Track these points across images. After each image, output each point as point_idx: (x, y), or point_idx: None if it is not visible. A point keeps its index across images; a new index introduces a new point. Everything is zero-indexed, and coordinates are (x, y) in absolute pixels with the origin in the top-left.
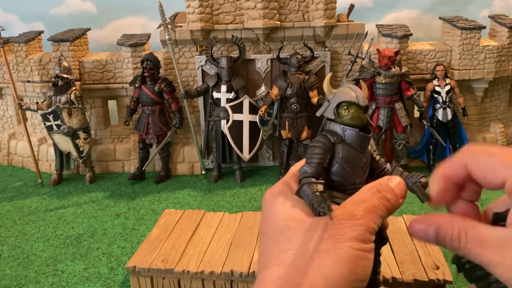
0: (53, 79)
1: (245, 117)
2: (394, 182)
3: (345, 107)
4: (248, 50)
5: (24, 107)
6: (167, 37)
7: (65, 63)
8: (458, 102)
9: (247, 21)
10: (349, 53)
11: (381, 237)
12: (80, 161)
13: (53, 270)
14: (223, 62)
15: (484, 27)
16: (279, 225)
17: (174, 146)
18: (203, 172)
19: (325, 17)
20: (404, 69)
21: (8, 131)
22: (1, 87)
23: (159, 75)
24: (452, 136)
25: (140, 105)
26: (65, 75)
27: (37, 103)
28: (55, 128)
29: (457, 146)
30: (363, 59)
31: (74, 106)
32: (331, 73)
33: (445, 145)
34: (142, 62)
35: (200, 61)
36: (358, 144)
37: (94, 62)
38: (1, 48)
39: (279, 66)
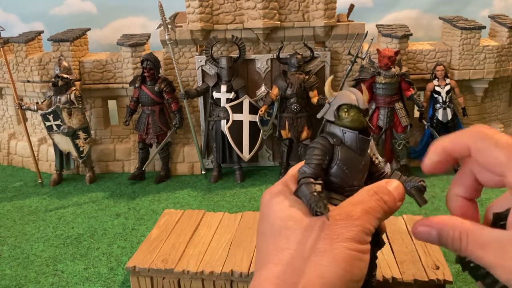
0: (53, 79)
1: (245, 117)
2: (392, 185)
3: (345, 110)
4: (248, 50)
5: (24, 107)
6: (167, 37)
7: (65, 63)
8: (458, 102)
9: (247, 21)
10: (349, 53)
11: (377, 241)
12: (80, 161)
13: (53, 270)
14: (223, 62)
15: (484, 27)
16: (277, 225)
17: (174, 146)
18: (203, 172)
19: (325, 17)
20: (404, 69)
21: (8, 131)
22: (1, 87)
23: (159, 75)
24: None
25: (140, 105)
26: (65, 75)
27: (37, 103)
28: (55, 128)
29: None
30: (363, 59)
31: (74, 106)
32: (332, 76)
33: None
34: (142, 62)
35: (200, 61)
36: (358, 146)
37: (94, 62)
38: (1, 48)
39: (279, 66)
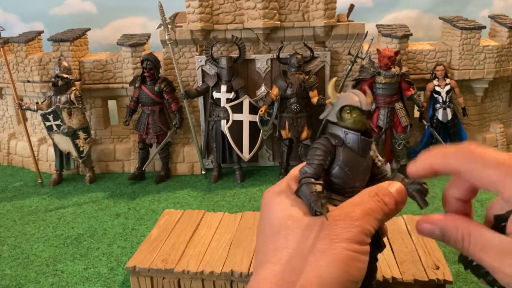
0: (53, 79)
1: (245, 117)
2: (394, 187)
3: (348, 111)
4: (248, 50)
5: (24, 107)
6: (167, 37)
7: (65, 63)
8: (458, 102)
9: (247, 21)
10: (349, 53)
11: (378, 243)
12: (80, 161)
13: (53, 270)
14: (223, 62)
15: (484, 27)
16: (276, 224)
17: (174, 146)
18: (203, 172)
19: (325, 17)
20: (404, 69)
21: (8, 131)
22: (1, 87)
23: (159, 75)
24: (452, 136)
25: (140, 105)
26: (65, 75)
27: (37, 103)
28: (55, 128)
29: None
30: (363, 59)
31: (74, 106)
32: (335, 78)
33: (445, 145)
34: (142, 62)
35: (200, 61)
36: (359, 148)
37: (94, 62)
38: (1, 48)
39: (279, 66)
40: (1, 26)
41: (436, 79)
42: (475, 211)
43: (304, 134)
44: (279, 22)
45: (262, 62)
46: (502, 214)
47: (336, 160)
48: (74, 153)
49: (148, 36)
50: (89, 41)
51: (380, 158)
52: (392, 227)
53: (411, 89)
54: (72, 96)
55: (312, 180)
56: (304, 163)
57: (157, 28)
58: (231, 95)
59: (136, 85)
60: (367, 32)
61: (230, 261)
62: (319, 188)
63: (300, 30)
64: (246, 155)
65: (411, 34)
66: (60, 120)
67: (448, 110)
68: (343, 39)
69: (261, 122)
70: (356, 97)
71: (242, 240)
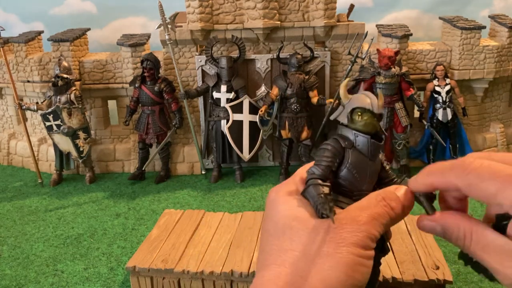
0: (53, 79)
1: (245, 117)
2: (401, 191)
3: (359, 113)
4: (248, 50)
5: (24, 107)
6: (167, 37)
7: (65, 63)
8: (458, 102)
9: (247, 21)
10: (349, 53)
11: (382, 247)
12: (80, 161)
13: (53, 270)
14: (223, 62)
15: (484, 27)
16: (281, 223)
17: (174, 146)
18: (203, 172)
19: (325, 17)
20: (404, 69)
21: (8, 131)
22: (1, 87)
23: (159, 75)
24: (452, 136)
25: (140, 105)
26: (65, 75)
27: (37, 103)
28: (55, 128)
29: (457, 146)
30: (363, 59)
31: (74, 106)
32: (348, 79)
33: (445, 145)
34: (142, 62)
35: (200, 61)
36: (369, 151)
37: (94, 62)
38: (1, 48)
39: (279, 66)
40: (1, 26)
41: (436, 79)
42: (475, 211)
43: (304, 134)
44: (279, 22)
45: (262, 62)
46: (504, 213)
47: (344, 162)
48: (74, 153)
49: (148, 36)
50: (89, 41)
51: (388, 163)
52: (392, 227)
53: (411, 89)
54: (72, 96)
55: (320, 181)
56: (312, 163)
57: (157, 28)
58: (231, 95)
59: (136, 85)
60: (367, 32)
61: (230, 261)
62: (326, 190)
63: (300, 30)
64: (246, 155)
65: (411, 34)
66: (60, 120)
67: (448, 110)
68: (343, 39)
69: (261, 122)
70: (368, 100)
71: (242, 240)
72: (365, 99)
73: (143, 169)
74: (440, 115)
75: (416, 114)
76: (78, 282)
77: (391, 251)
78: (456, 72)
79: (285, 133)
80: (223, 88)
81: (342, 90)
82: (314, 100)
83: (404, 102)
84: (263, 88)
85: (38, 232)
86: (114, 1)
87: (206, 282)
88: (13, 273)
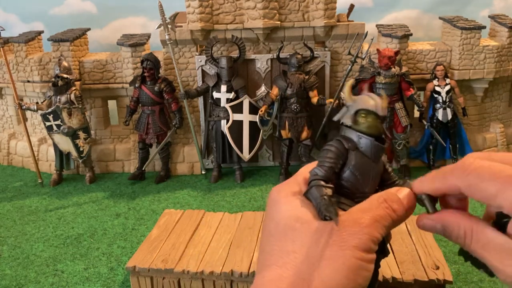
0: (53, 79)
1: (245, 117)
2: (403, 193)
3: (363, 115)
4: (248, 50)
5: (24, 107)
6: (167, 37)
7: (65, 63)
8: (458, 102)
9: (247, 21)
10: (349, 53)
11: (383, 249)
12: (80, 161)
13: (53, 270)
14: (223, 62)
15: (484, 27)
16: (283, 224)
17: (174, 146)
18: (203, 172)
19: (325, 17)
20: (404, 69)
21: (8, 131)
22: (1, 87)
23: (159, 75)
24: (452, 136)
25: (140, 105)
26: (65, 75)
27: (37, 103)
28: (55, 128)
29: (457, 146)
30: (363, 59)
31: (74, 106)
32: (352, 80)
33: (445, 145)
34: (142, 62)
35: (200, 61)
36: (372, 153)
37: (94, 62)
38: (1, 48)
39: (279, 66)
40: (1, 26)
41: (436, 79)
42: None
43: (304, 134)
44: (279, 22)
45: (262, 62)
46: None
47: (347, 163)
48: (74, 153)
49: (148, 36)
50: (89, 41)
51: (391, 165)
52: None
53: (411, 89)
54: (72, 96)
55: (322, 183)
56: (314, 163)
57: (157, 28)
58: (231, 95)
59: (136, 85)
60: (367, 32)
61: (230, 261)
62: (329, 192)
63: (300, 30)
64: (246, 155)
65: (411, 34)
66: (60, 120)
67: (448, 110)
68: (343, 39)
69: (261, 122)
70: (372, 101)
71: (242, 240)
72: (370, 100)
73: (143, 169)
74: (440, 115)
75: (416, 114)
76: (78, 282)
77: (391, 251)
78: (456, 72)
79: (285, 133)
80: (223, 88)
81: (347, 91)
82: (314, 100)
83: (404, 102)
84: (263, 88)
85: (38, 232)
86: (114, 1)
87: (206, 282)
88: (13, 273)
